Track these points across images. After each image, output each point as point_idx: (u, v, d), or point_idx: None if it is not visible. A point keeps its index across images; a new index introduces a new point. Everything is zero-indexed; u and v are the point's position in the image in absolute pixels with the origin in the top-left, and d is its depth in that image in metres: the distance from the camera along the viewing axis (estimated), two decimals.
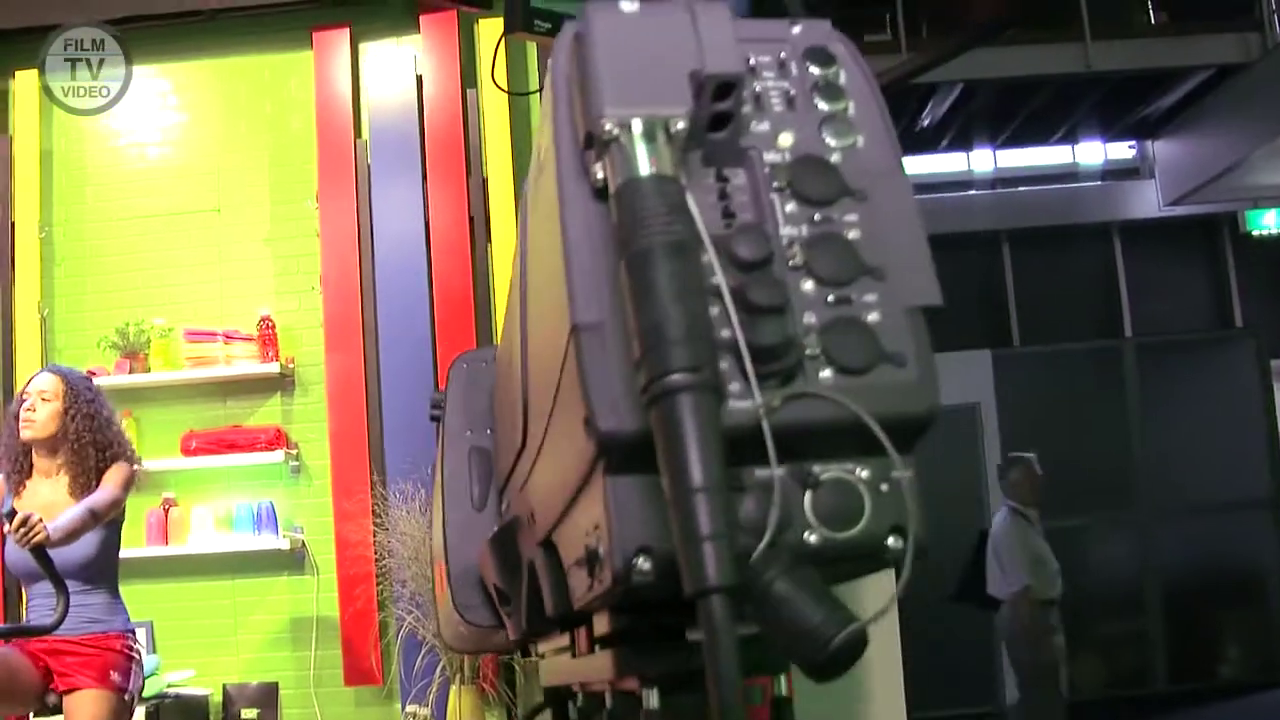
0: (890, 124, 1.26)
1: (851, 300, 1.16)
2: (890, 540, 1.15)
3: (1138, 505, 12.24)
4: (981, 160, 14.63)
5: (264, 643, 6.50)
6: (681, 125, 1.15)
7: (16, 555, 4.37)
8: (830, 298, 1.16)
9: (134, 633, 4.72)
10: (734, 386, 1.11)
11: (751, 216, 1.20)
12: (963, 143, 14.19)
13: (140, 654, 4.74)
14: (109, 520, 4.57)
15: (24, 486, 4.68)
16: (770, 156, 1.23)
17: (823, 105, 1.25)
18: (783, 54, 1.28)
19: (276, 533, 6.41)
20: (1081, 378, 12.87)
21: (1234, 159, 12.39)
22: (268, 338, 6.48)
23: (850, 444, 1.13)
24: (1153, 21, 13.20)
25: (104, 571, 4.66)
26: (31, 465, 4.70)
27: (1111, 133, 14.45)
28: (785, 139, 1.23)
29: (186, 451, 6.44)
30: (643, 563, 1.12)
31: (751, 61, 1.27)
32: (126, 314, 6.55)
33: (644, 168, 1.11)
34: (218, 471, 6.48)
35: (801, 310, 1.15)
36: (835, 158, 1.23)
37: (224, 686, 6.36)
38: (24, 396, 4.66)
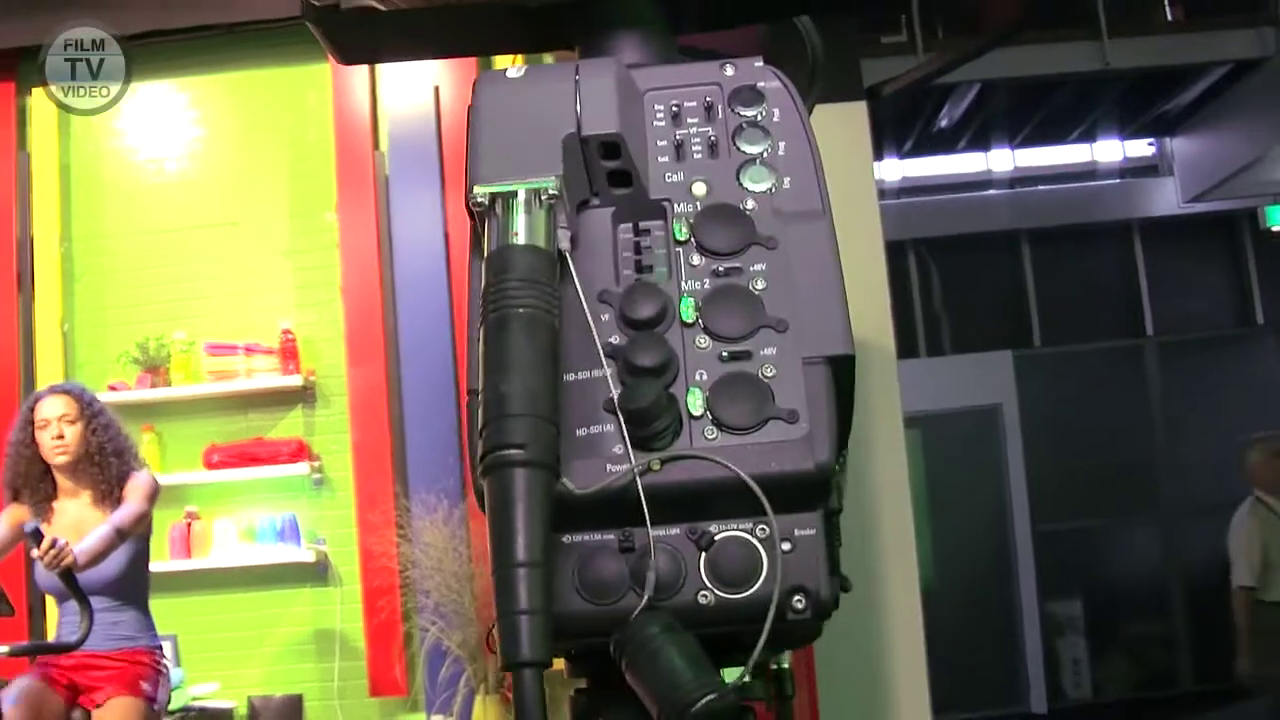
0: (818, 161, 1.22)
1: (750, 355, 1.14)
2: (794, 600, 1.11)
3: (1161, 505, 12.19)
4: (1000, 160, 14.59)
5: (288, 655, 6.50)
6: (553, 192, 1.15)
7: (45, 573, 4.38)
8: (724, 353, 1.14)
9: (161, 647, 4.74)
10: (618, 449, 1.12)
11: (666, 271, 1.19)
12: (981, 143, 14.15)
13: (167, 667, 4.76)
14: (136, 535, 4.59)
15: (51, 509, 4.70)
16: (682, 207, 1.22)
17: (745, 148, 1.23)
18: (708, 98, 1.26)
19: (299, 545, 6.41)
20: (1103, 377, 12.83)
21: (1253, 154, 12.35)
22: (289, 350, 6.47)
23: (747, 503, 1.10)
24: (1169, 18, 13.16)
25: (135, 588, 4.68)
26: (55, 487, 4.71)
27: (1130, 130, 14.40)
28: (699, 188, 1.22)
29: (209, 465, 6.44)
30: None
31: (675, 109, 1.26)
32: (147, 328, 6.56)
33: (519, 237, 1.12)
34: (240, 485, 6.48)
35: (695, 367, 1.14)
36: (749, 204, 1.20)
37: (249, 699, 6.36)
38: (41, 424, 4.65)
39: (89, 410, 4.69)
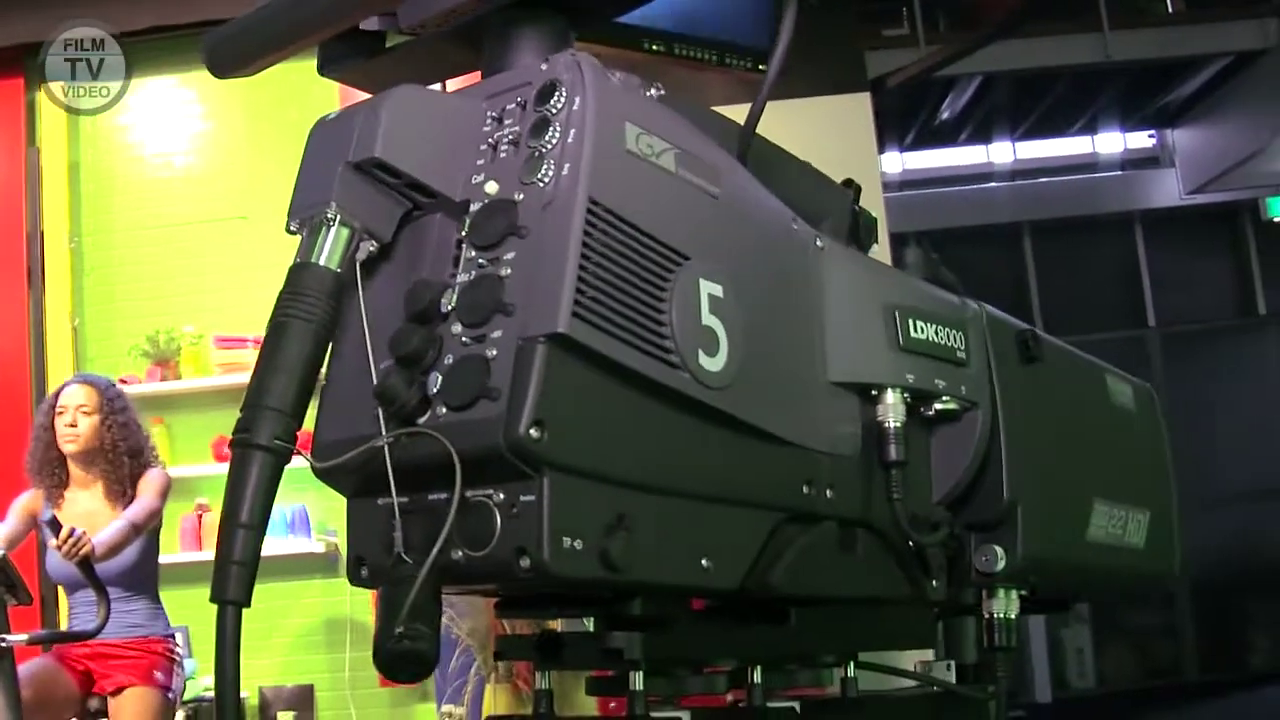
0: (602, 146, 1.25)
1: (483, 338, 1.21)
2: (520, 561, 1.19)
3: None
4: (1001, 153, 14.61)
5: (299, 645, 6.54)
6: (329, 216, 1.27)
7: (58, 563, 4.43)
8: (465, 338, 1.22)
9: (174, 636, 4.78)
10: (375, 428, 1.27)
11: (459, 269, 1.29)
12: (982, 135, 14.18)
13: (181, 656, 4.80)
14: (149, 529, 4.64)
15: (63, 498, 4.74)
16: (475, 207, 1.29)
17: (533, 142, 1.27)
18: (519, 98, 1.31)
19: (310, 536, 6.44)
20: None
21: (1254, 146, 12.37)
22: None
23: (482, 472, 1.20)
24: (1170, 10, 13.19)
25: (145, 578, 4.72)
26: (68, 475, 4.76)
27: (1131, 122, 14.43)
28: (491, 186, 1.28)
29: (219, 457, 6.48)
30: (364, 571, 1.36)
31: (498, 113, 1.32)
32: (156, 322, 6.60)
33: (303, 256, 1.28)
34: None
35: (445, 352, 1.23)
36: (519, 195, 1.25)
37: (260, 689, 6.41)
38: (60, 410, 4.70)
39: (109, 405, 4.73)
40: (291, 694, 6.42)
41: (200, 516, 6.46)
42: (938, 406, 1.60)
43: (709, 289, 1.31)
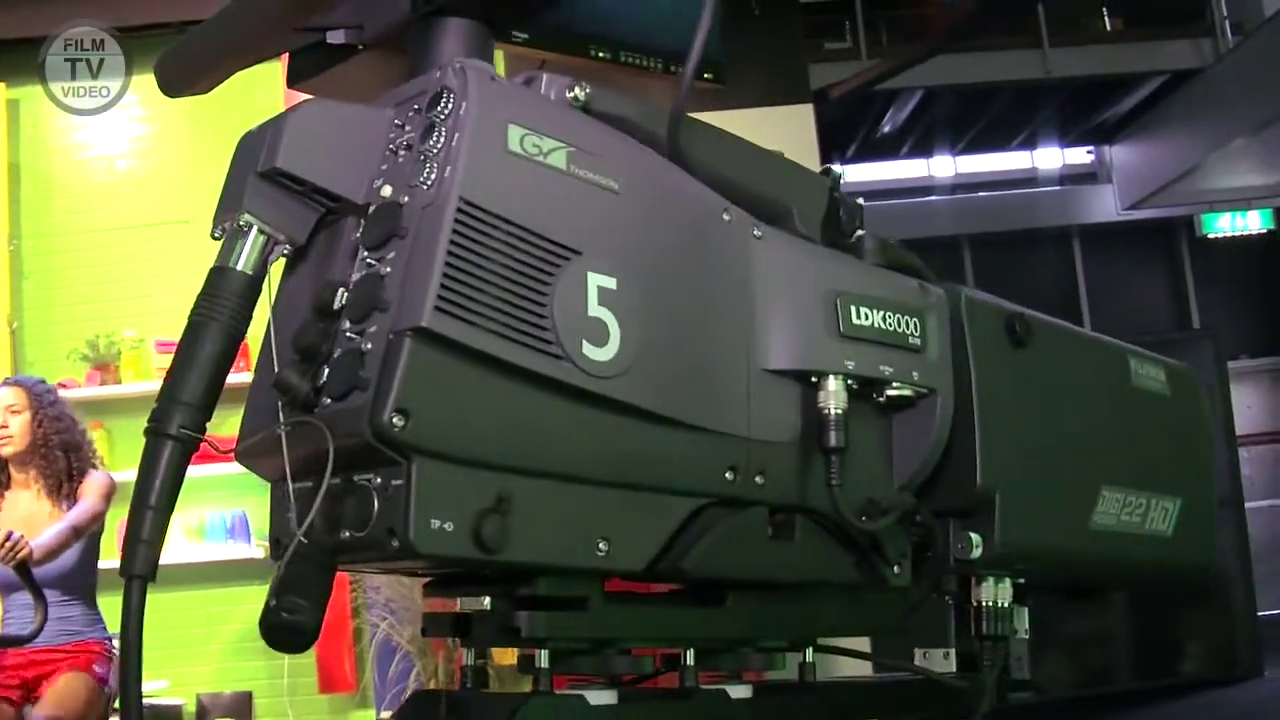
0: (480, 148, 1.30)
1: (363, 333, 1.27)
2: (391, 541, 1.26)
3: None
4: (942, 166, 14.75)
5: (237, 652, 6.49)
6: (240, 224, 1.34)
7: None
8: (350, 333, 1.29)
9: (112, 639, 4.74)
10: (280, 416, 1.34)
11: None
12: (923, 149, 14.31)
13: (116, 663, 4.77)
14: (91, 532, 4.60)
15: (3, 499, 4.70)
16: (372, 210, 1.35)
17: (422, 146, 1.32)
18: (416, 105, 1.37)
19: (249, 542, 6.40)
20: None
21: (1190, 163, 12.54)
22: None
23: (365, 458, 1.27)
24: (1109, 28, 13.36)
25: (82, 582, 4.68)
26: (9, 478, 4.72)
27: (1069, 138, 14.61)
28: (386, 190, 1.33)
29: None
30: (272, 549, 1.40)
31: (401, 120, 1.37)
32: (97, 326, 6.54)
33: (220, 260, 1.35)
34: (189, 482, 6.37)
35: (336, 347, 1.30)
36: (405, 198, 1.31)
37: (197, 696, 6.36)
38: None
39: (39, 402, 4.68)
40: (229, 701, 6.38)
41: None
42: (890, 392, 1.60)
43: (599, 281, 1.35)
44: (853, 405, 1.55)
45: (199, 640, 6.44)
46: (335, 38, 1.62)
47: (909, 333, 1.62)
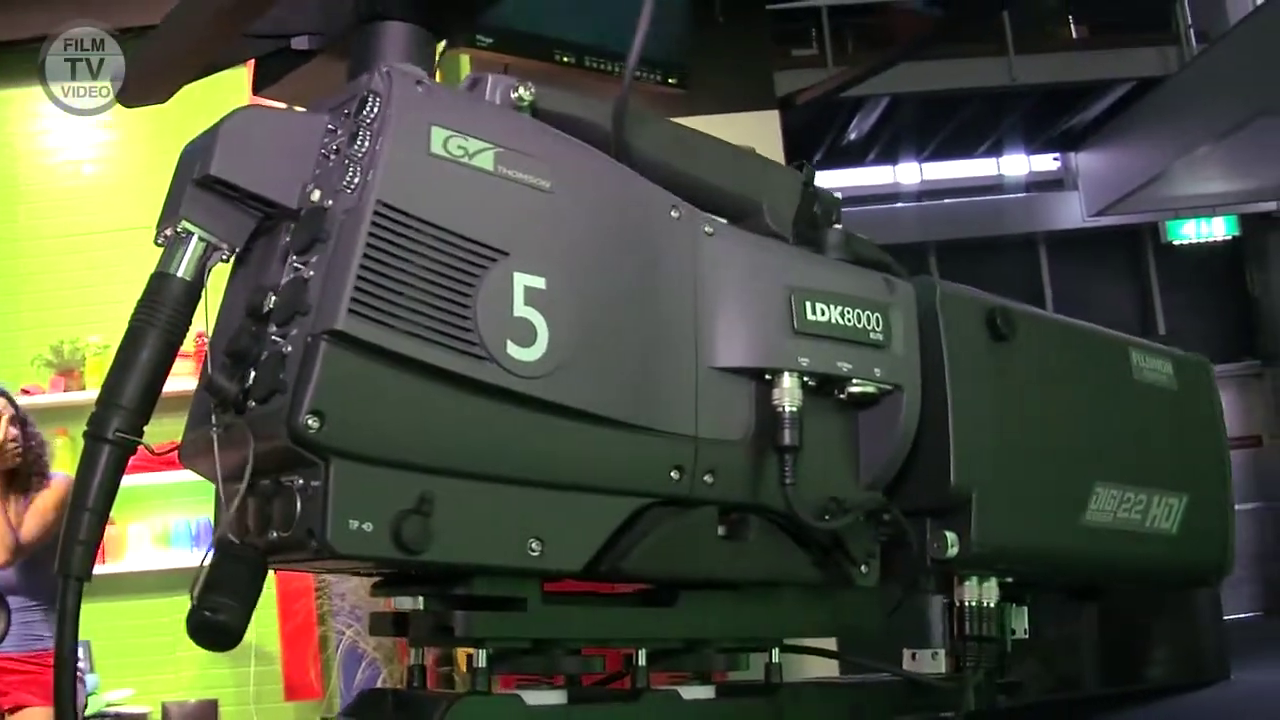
0: (400, 152, 1.31)
1: (286, 336, 1.28)
2: (310, 542, 1.27)
3: None
4: (908, 173, 14.80)
5: (203, 660, 6.46)
6: (179, 229, 1.35)
7: None
8: (275, 337, 1.30)
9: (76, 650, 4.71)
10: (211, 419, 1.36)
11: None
12: (889, 156, 14.36)
13: (83, 671, 4.75)
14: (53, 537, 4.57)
15: None
16: (303, 215, 1.36)
17: (348, 150, 1.33)
18: (346, 110, 1.37)
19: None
20: None
21: (1155, 170, 12.62)
22: (204, 354, 6.43)
23: (289, 459, 1.28)
24: (1074, 35, 13.43)
25: (41, 585, 4.65)
26: None
27: (1035, 145, 14.68)
28: (315, 194, 1.34)
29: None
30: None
31: (335, 124, 1.38)
32: (61, 332, 6.52)
33: (172, 268, 1.35)
34: (155, 489, 6.43)
35: (263, 351, 1.31)
36: (329, 202, 1.31)
37: (163, 705, 6.34)
38: None
39: (12, 406, 4.67)
40: (195, 709, 6.36)
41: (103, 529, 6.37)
42: (852, 389, 1.58)
43: (527, 281, 1.34)
44: (812, 402, 1.54)
45: (164, 648, 6.42)
46: (299, 44, 1.63)
47: (870, 328, 1.59)
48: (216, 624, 1.27)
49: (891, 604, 1.81)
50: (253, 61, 1.72)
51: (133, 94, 1.70)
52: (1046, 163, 15.13)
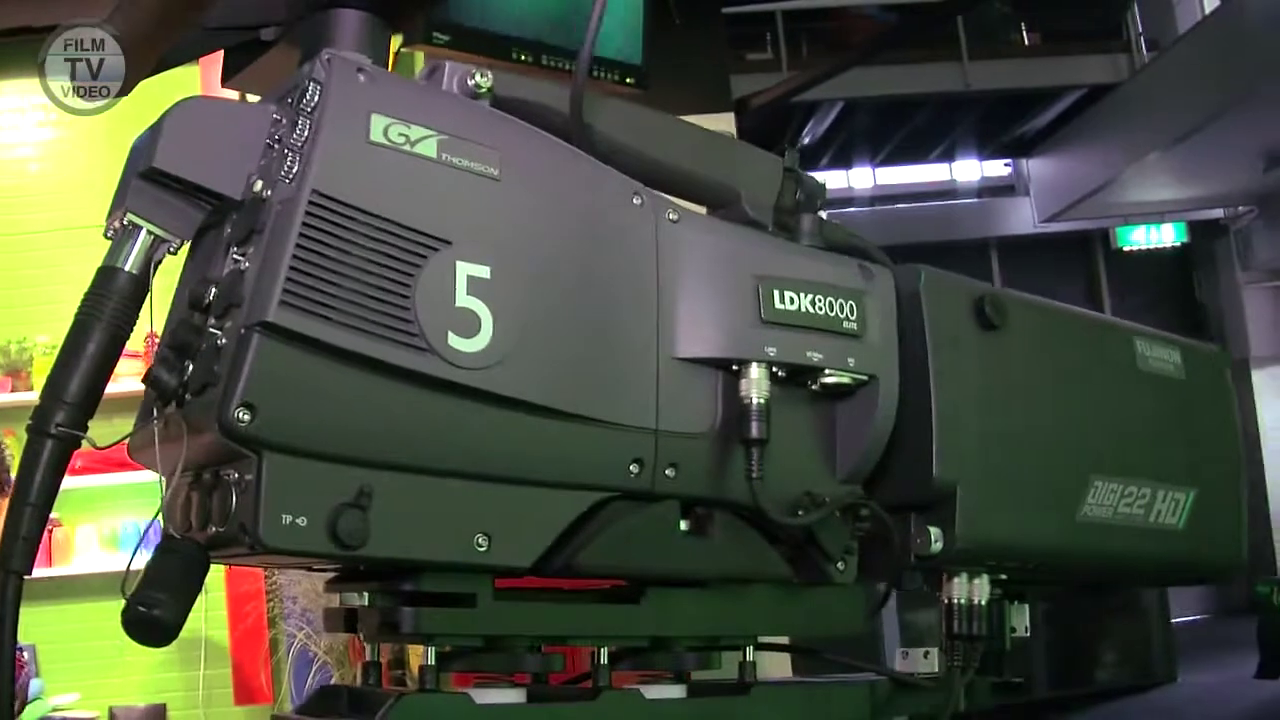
0: (337, 140, 1.29)
1: (223, 329, 1.27)
2: (242, 536, 1.25)
3: None
4: (861, 178, 14.86)
5: (152, 664, 6.40)
6: (126, 223, 1.34)
7: None
8: (213, 329, 1.28)
9: (22, 653, 4.67)
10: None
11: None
12: (843, 160, 14.41)
13: (28, 676, 4.69)
14: None
15: None
16: (244, 206, 1.34)
17: (287, 139, 1.31)
18: (290, 99, 1.35)
19: None
20: None
21: (1106, 176, 12.72)
22: (154, 354, 6.39)
23: (226, 452, 1.27)
24: (1027, 42, 13.52)
25: None
26: None
27: (988, 151, 14.77)
28: (257, 186, 1.32)
29: (71, 470, 6.27)
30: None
31: (279, 115, 1.36)
32: (9, 331, 6.44)
33: (119, 261, 1.35)
34: (104, 490, 6.36)
35: (203, 342, 1.29)
36: (269, 193, 1.30)
37: (110, 709, 6.27)
38: None
39: None
40: (143, 713, 6.29)
41: (50, 531, 6.30)
42: (825, 380, 1.54)
43: (470, 271, 1.32)
44: (784, 394, 1.51)
45: (112, 652, 6.35)
46: (267, 35, 1.60)
47: (843, 316, 1.55)
48: (151, 619, 1.25)
49: (875, 602, 1.79)
50: (221, 54, 1.70)
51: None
52: (999, 168, 15.23)
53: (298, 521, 1.24)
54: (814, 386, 1.55)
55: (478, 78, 1.44)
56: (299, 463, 1.25)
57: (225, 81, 1.73)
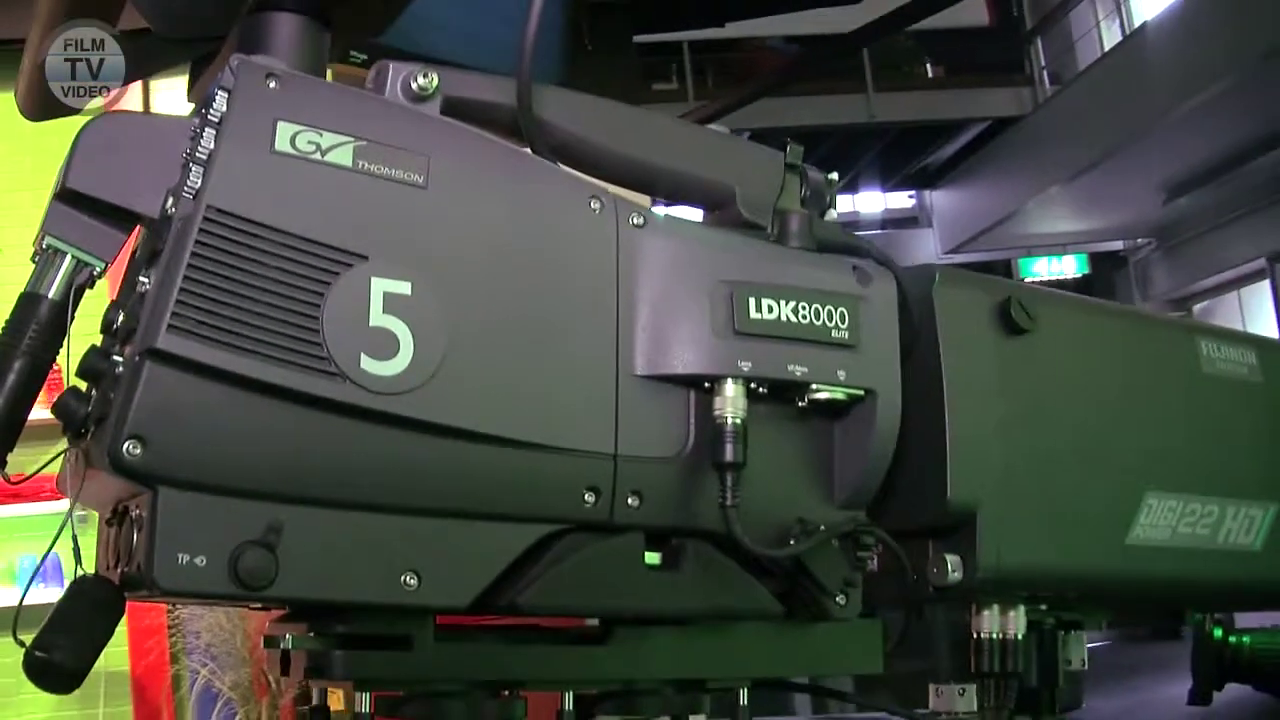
0: (238, 150, 1.21)
1: (124, 356, 1.19)
2: (142, 577, 1.18)
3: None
4: None
5: (50, 701, 6.25)
6: (44, 245, 1.28)
7: None
8: (116, 356, 1.20)
9: None
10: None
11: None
12: None
13: None
14: None
15: None
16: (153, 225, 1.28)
17: (194, 152, 1.22)
18: (203, 110, 1.27)
19: (62, 586, 6.18)
20: None
21: (1009, 208, 12.88)
22: (55, 385, 6.25)
23: (135, 488, 1.20)
24: (931, 75, 13.67)
25: None
26: None
27: (891, 183, 14.91)
28: (169, 202, 1.23)
29: None
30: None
31: (195, 129, 1.26)
32: None
33: (39, 286, 1.28)
34: (3, 523, 6.26)
35: (113, 371, 1.21)
36: (174, 209, 1.21)
37: None
38: None
39: None
40: None
41: None
42: (815, 396, 1.39)
43: (387, 287, 1.21)
44: (769, 412, 1.39)
45: (7, 690, 6.21)
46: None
47: (831, 325, 1.40)
48: (49, 664, 1.17)
49: (894, 637, 1.61)
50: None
51: (35, 105, 1.60)
52: (902, 200, 15.38)
53: (195, 561, 1.14)
54: (802, 403, 1.41)
55: (420, 79, 1.31)
56: (197, 498, 1.15)
57: (190, 94, 1.66)
